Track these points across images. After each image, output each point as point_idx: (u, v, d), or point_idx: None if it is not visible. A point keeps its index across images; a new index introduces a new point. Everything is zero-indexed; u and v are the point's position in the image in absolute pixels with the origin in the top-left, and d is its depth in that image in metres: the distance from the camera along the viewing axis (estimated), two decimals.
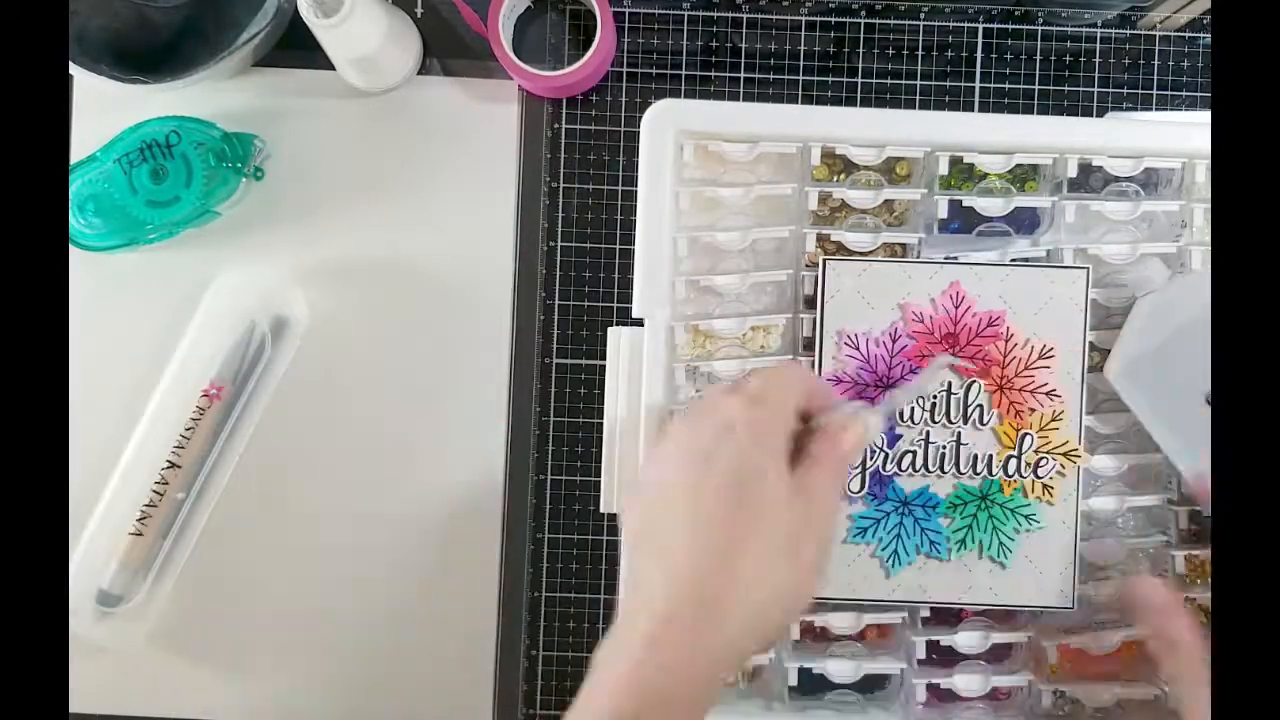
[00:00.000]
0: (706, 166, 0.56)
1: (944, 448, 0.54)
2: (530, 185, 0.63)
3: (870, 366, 0.54)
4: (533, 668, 0.62)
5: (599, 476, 0.56)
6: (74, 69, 0.57)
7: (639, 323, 0.54)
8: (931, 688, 0.55)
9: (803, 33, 0.63)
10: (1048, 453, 0.54)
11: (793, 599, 0.44)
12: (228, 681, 0.62)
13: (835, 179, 0.56)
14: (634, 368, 0.54)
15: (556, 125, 0.63)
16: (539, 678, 0.62)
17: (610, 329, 0.55)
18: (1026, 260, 0.55)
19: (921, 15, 0.62)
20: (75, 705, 0.60)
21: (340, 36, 0.55)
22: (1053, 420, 0.54)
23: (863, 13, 0.63)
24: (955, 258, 0.55)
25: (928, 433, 0.54)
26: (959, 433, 0.54)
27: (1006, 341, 0.54)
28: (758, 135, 0.54)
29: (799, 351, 0.55)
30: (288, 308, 0.61)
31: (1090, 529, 0.56)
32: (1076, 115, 0.62)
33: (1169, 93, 0.63)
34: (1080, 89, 0.63)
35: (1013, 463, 0.54)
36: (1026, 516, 0.54)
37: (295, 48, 0.61)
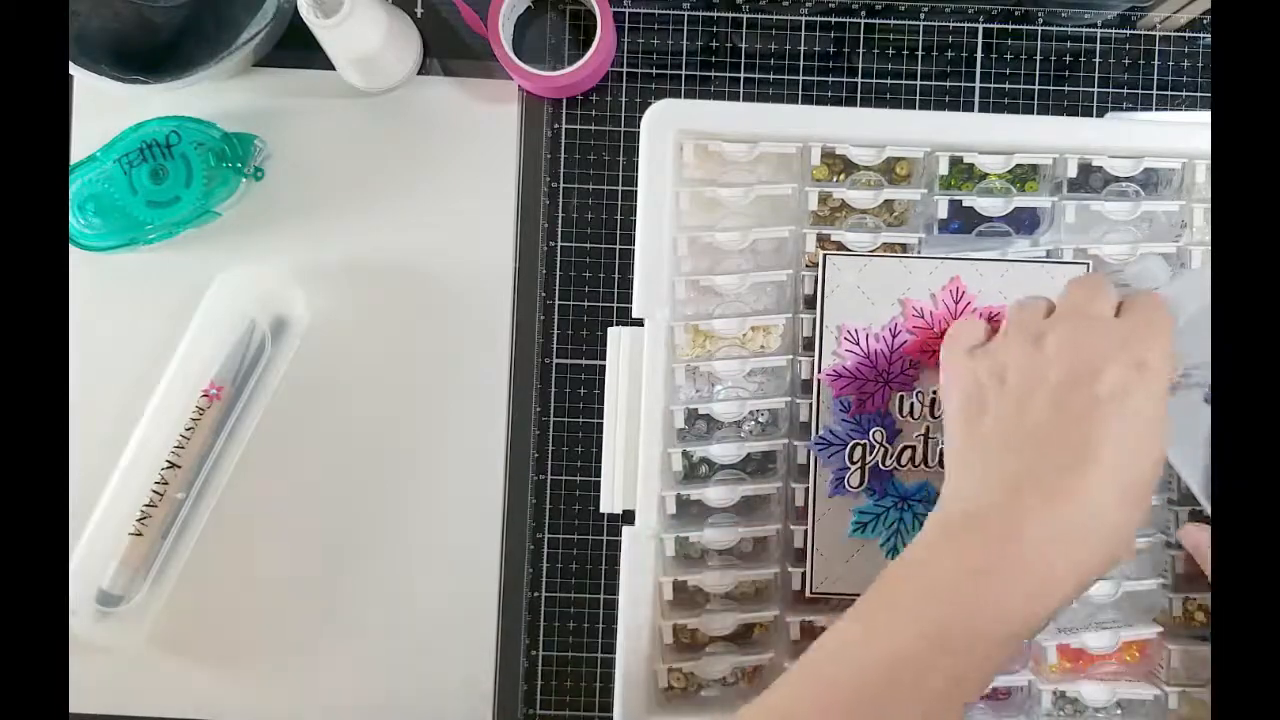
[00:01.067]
0: (706, 166, 0.56)
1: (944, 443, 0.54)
2: (530, 185, 0.63)
3: (871, 361, 0.54)
4: (533, 668, 0.62)
5: (599, 476, 0.56)
6: (74, 69, 0.57)
7: (639, 323, 0.54)
8: None
9: (803, 33, 0.63)
10: None
11: None
12: (228, 681, 0.62)
13: (835, 179, 0.56)
14: (634, 368, 0.54)
15: (556, 125, 0.63)
16: (539, 678, 0.62)
17: (610, 329, 0.55)
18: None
19: (921, 15, 0.62)
20: (75, 705, 0.60)
21: (340, 36, 0.55)
22: None
23: (863, 13, 0.63)
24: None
25: (927, 428, 0.54)
26: None
27: None
28: (758, 135, 0.54)
29: (799, 351, 0.55)
30: (288, 308, 0.61)
31: None
32: (1076, 115, 0.62)
33: (1169, 93, 0.63)
34: (1080, 89, 0.63)
35: None
36: None
37: (295, 48, 0.61)
